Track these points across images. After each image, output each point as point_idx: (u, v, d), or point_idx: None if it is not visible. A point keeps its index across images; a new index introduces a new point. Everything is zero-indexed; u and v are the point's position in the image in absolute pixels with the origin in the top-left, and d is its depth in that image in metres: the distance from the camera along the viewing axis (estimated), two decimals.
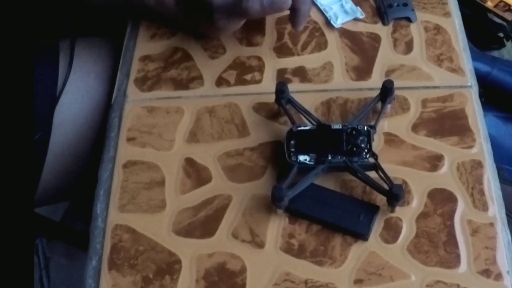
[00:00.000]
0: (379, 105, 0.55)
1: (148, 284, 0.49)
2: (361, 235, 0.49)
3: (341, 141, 0.51)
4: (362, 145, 0.51)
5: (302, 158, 0.51)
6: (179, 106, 0.58)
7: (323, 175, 0.52)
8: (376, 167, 0.51)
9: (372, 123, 0.53)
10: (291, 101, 0.55)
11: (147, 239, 0.51)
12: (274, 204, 0.50)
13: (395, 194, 0.48)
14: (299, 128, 0.53)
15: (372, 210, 0.50)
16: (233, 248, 0.50)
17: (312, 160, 0.51)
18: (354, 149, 0.51)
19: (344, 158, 0.51)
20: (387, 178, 0.49)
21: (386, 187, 0.49)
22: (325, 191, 0.51)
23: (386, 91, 0.54)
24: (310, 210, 0.51)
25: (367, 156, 0.51)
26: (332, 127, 0.52)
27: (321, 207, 0.50)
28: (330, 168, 0.51)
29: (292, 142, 0.52)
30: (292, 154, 0.52)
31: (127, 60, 0.62)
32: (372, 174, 0.51)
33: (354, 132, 0.52)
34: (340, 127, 0.52)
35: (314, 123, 0.54)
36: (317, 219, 0.51)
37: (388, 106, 0.55)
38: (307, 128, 0.53)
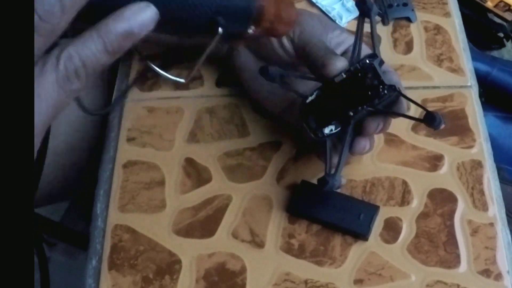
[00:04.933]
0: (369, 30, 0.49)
1: (148, 284, 0.49)
2: (361, 235, 0.49)
3: (352, 91, 0.46)
4: (375, 83, 0.45)
5: (327, 130, 0.46)
6: (179, 106, 0.58)
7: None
8: (401, 94, 0.46)
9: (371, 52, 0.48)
10: (283, 76, 0.49)
11: (147, 239, 0.51)
12: (327, 189, 0.45)
13: (432, 118, 0.42)
14: (308, 100, 0.48)
15: (372, 210, 0.50)
16: (233, 248, 0.50)
17: (338, 126, 0.46)
18: (369, 92, 0.45)
19: (364, 106, 0.45)
20: (416, 104, 0.45)
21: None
22: (324, 192, 0.51)
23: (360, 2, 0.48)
24: (310, 211, 0.51)
25: (385, 91, 0.45)
26: (336, 80, 0.46)
27: (321, 207, 0.50)
28: (358, 123, 0.47)
29: (310, 117, 0.47)
30: (317, 131, 0.47)
31: (127, 60, 0.62)
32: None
33: (359, 74, 0.45)
34: (344, 76, 0.46)
35: (315, 81, 0.48)
36: (317, 219, 0.51)
37: (376, 18, 0.50)
38: (314, 95, 0.47)
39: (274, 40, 0.51)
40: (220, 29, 0.36)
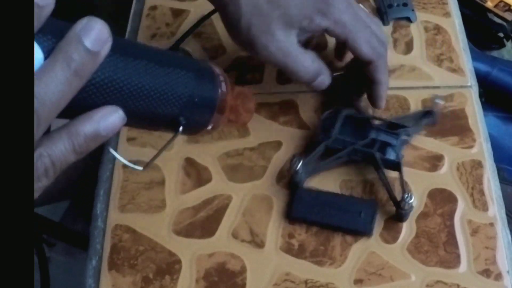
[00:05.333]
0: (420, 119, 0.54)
1: (148, 284, 0.49)
2: (365, 232, 0.49)
3: (376, 135, 0.51)
4: (395, 144, 0.51)
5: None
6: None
7: (340, 164, 0.52)
8: (399, 167, 0.50)
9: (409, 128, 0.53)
10: None
11: (147, 239, 0.51)
12: (292, 177, 0.49)
13: (401, 211, 0.48)
14: (345, 113, 0.52)
15: (372, 206, 0.50)
16: (233, 248, 0.50)
17: (341, 144, 0.51)
18: (387, 146, 0.51)
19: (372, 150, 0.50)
20: (402, 186, 0.49)
21: (397, 195, 0.49)
22: (322, 195, 0.51)
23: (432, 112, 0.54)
24: (311, 216, 0.50)
25: (396, 155, 0.51)
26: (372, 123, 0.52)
27: (321, 211, 0.50)
28: (356, 153, 0.51)
29: (337, 124, 0.52)
30: (322, 133, 0.51)
31: None
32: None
33: (392, 133, 0.51)
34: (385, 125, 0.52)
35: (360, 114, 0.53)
36: (318, 223, 0.50)
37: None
38: (352, 113, 0.53)
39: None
40: (180, 128, 0.38)
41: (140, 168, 0.40)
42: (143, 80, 0.34)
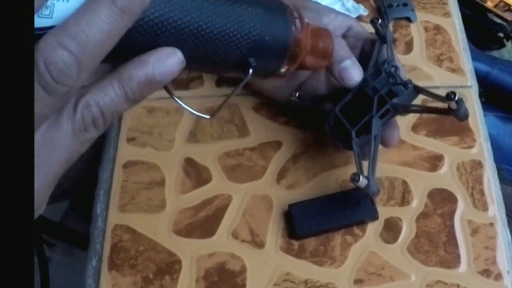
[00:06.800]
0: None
1: (148, 284, 0.49)
2: (371, 218, 0.50)
3: (377, 93, 0.47)
4: (395, 80, 0.47)
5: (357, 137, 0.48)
6: (179, 106, 0.58)
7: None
8: (419, 89, 0.47)
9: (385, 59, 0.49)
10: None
11: (147, 239, 0.51)
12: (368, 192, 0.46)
13: (456, 107, 0.43)
14: (337, 111, 0.48)
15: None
16: (233, 248, 0.50)
17: (366, 131, 0.47)
18: (391, 91, 0.47)
19: (389, 110, 0.46)
20: (433, 95, 0.45)
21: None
22: (316, 202, 0.51)
23: (379, 33, 0.50)
24: (316, 227, 0.50)
25: (405, 87, 0.47)
26: (368, 91, 0.47)
27: (323, 217, 0.50)
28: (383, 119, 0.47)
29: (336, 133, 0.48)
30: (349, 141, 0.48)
31: None
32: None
33: (384, 80, 0.47)
34: (373, 86, 0.47)
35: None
36: (325, 230, 0.50)
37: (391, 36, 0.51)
38: (348, 98, 0.48)
39: None
40: (250, 71, 0.34)
41: (208, 116, 0.37)
42: (204, 17, 0.30)
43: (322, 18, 0.50)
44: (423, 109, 0.49)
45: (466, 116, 0.44)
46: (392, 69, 0.48)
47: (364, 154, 0.48)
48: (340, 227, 0.50)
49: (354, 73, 0.47)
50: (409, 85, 0.46)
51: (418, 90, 0.47)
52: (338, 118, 0.48)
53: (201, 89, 0.59)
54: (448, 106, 0.43)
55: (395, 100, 0.46)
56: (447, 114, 0.44)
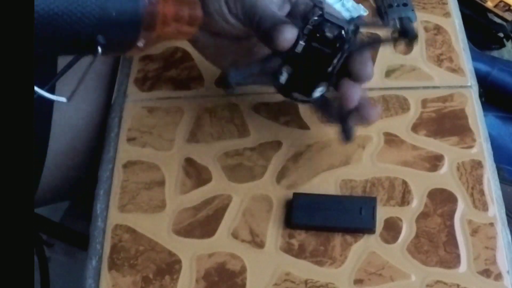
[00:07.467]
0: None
1: (148, 284, 0.49)
2: (368, 229, 0.49)
3: (318, 52, 0.44)
4: (335, 33, 0.44)
5: (317, 93, 0.47)
6: (179, 106, 0.58)
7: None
8: (357, 27, 0.44)
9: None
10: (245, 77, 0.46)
11: (147, 239, 0.51)
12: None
13: (403, 30, 0.43)
14: (282, 81, 0.46)
15: (371, 202, 0.50)
16: (233, 248, 0.50)
17: (324, 84, 0.46)
18: (336, 44, 0.44)
19: (339, 57, 0.44)
20: (376, 25, 0.45)
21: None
22: (321, 198, 0.51)
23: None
24: (312, 221, 0.50)
25: (348, 33, 0.44)
26: (298, 51, 0.44)
27: (320, 214, 0.50)
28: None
29: (292, 94, 0.47)
30: (308, 100, 0.46)
31: (127, 60, 0.62)
32: None
33: (317, 35, 0.44)
34: (303, 43, 0.44)
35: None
36: (320, 227, 0.50)
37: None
38: (285, 74, 0.46)
39: (220, 19, 0.47)
40: (99, 48, 0.33)
41: (64, 99, 0.35)
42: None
43: None
44: (373, 41, 0.47)
45: (415, 35, 0.42)
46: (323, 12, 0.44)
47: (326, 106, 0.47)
48: (335, 229, 0.50)
49: (286, 33, 0.43)
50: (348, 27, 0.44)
51: (357, 28, 0.45)
52: (293, 70, 0.46)
53: (201, 89, 0.59)
54: (393, 30, 0.42)
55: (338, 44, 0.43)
56: (397, 40, 0.43)
